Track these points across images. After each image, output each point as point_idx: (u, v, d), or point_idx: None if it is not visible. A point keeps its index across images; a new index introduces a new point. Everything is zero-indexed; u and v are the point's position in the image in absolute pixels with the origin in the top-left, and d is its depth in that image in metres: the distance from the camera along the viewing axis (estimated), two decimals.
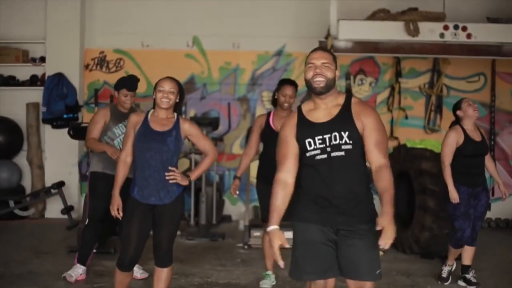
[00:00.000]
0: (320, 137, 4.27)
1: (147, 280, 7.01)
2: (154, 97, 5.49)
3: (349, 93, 4.55)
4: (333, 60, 4.36)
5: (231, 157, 11.25)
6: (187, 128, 5.56)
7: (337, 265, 4.34)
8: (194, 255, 8.40)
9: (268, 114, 7.03)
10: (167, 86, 5.43)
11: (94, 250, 7.57)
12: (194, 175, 5.67)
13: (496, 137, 11.13)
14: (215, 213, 10.06)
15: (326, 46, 9.80)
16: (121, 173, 5.57)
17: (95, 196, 6.90)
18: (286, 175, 4.37)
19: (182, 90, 5.61)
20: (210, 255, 8.44)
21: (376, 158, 4.23)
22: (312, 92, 4.35)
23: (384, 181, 4.15)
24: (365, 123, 4.26)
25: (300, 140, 4.35)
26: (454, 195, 6.93)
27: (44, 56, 11.01)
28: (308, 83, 4.35)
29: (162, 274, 5.61)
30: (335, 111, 4.34)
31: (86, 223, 7.04)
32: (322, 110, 4.37)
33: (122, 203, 5.51)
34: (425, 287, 7.16)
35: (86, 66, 11.19)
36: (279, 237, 4.19)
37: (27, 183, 11.08)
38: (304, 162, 4.36)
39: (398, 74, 11.13)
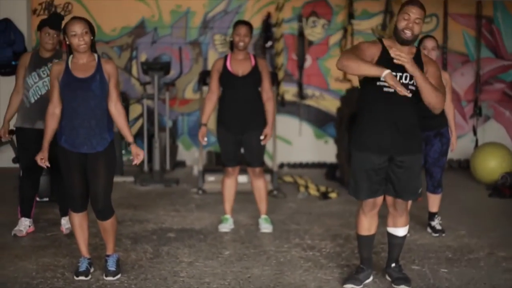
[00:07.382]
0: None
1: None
2: (68, 43, 5.23)
3: (418, 48, 5.17)
4: (424, 16, 5.05)
5: (184, 101, 11.15)
6: (109, 69, 5.33)
7: (384, 186, 5.20)
8: (148, 201, 8.38)
9: (225, 57, 6.94)
10: (79, 29, 5.17)
11: (41, 199, 7.61)
12: (130, 138, 5.45)
13: None
14: (169, 158, 10.00)
15: None
16: (50, 126, 5.34)
17: (20, 148, 6.85)
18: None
19: (92, 26, 5.36)
20: (164, 201, 8.42)
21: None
22: (398, 40, 4.98)
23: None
24: (428, 70, 5.02)
25: None
26: None
27: None
28: (397, 31, 4.96)
29: (106, 226, 5.48)
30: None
31: (20, 175, 6.91)
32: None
33: (51, 153, 5.36)
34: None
35: (34, 11, 10.92)
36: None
37: None
38: (372, 89, 5.02)
39: (350, 15, 11.07)
